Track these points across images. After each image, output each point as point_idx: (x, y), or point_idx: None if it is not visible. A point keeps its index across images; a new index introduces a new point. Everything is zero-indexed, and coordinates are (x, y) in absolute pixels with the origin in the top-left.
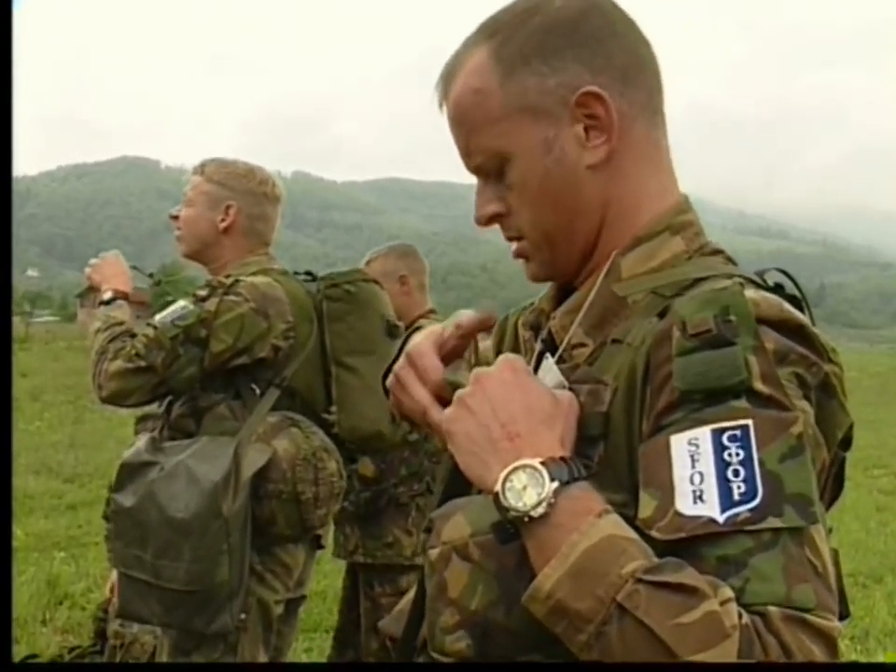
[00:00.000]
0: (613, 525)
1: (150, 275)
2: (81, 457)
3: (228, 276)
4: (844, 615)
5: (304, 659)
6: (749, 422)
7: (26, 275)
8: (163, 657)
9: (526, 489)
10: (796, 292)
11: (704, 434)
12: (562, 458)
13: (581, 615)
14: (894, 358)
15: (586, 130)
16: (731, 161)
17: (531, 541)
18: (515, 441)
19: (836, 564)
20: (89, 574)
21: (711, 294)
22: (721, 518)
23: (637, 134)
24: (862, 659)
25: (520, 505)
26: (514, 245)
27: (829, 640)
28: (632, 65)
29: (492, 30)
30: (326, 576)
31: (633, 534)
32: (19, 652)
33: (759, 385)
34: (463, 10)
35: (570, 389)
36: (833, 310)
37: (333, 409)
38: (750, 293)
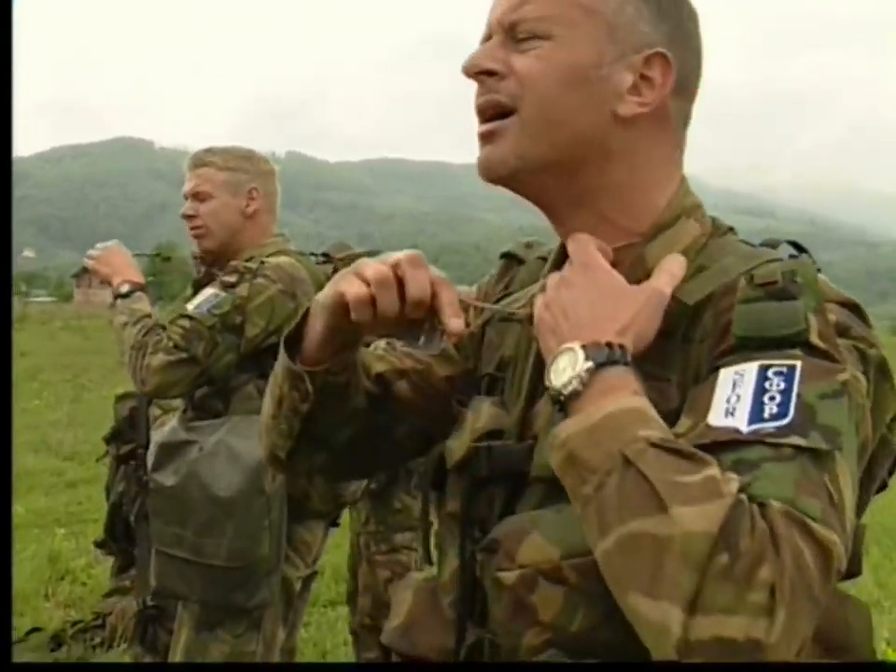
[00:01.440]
0: (646, 405)
1: (157, 255)
2: (80, 435)
3: (250, 259)
4: (855, 573)
5: (303, 633)
6: (798, 363)
7: (22, 256)
8: (182, 636)
9: (566, 370)
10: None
11: (751, 367)
12: (607, 343)
13: (589, 465)
14: (882, 336)
15: (634, 85)
16: (721, 140)
17: (570, 418)
18: (576, 331)
19: (859, 537)
20: (89, 550)
21: (779, 264)
22: (745, 429)
23: (670, 114)
24: None
25: (558, 384)
26: (487, 125)
27: (824, 549)
28: (695, 76)
29: None
30: (325, 552)
31: (661, 420)
32: (23, 625)
33: (815, 340)
34: None
35: None
36: None
37: None
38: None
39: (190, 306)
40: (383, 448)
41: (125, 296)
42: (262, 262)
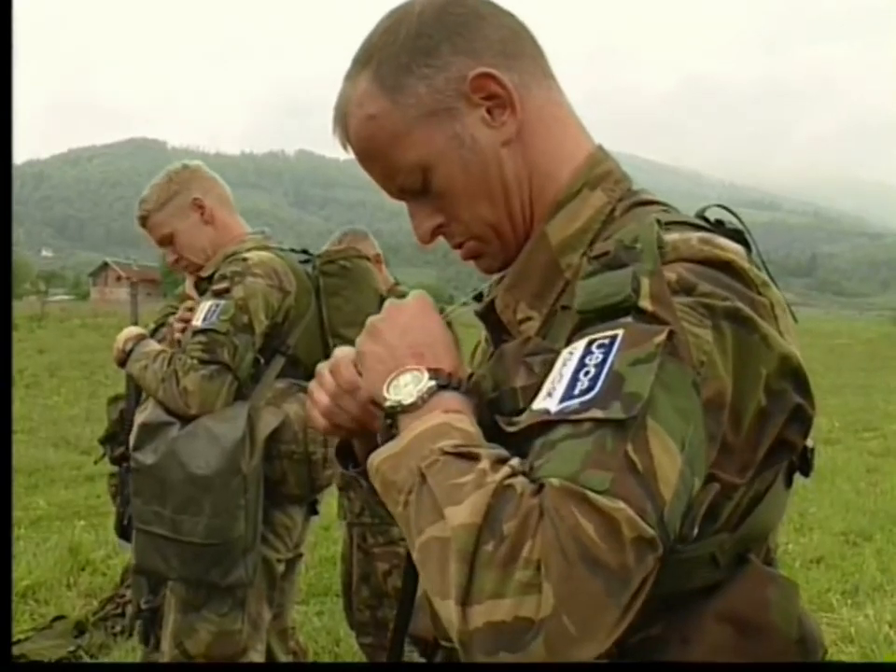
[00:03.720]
0: (456, 419)
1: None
2: (97, 430)
3: (231, 256)
4: (689, 538)
5: (316, 622)
6: (621, 332)
7: (41, 255)
8: (171, 616)
9: (407, 386)
10: (739, 226)
11: (581, 343)
12: (448, 373)
13: (397, 486)
14: (883, 326)
15: (489, 111)
16: (724, 133)
17: (400, 431)
18: (418, 358)
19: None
20: (108, 542)
21: (626, 231)
22: (554, 409)
23: (536, 101)
24: (853, 612)
25: (397, 398)
26: (461, 251)
27: (608, 520)
28: (508, 39)
29: (366, 57)
30: (335, 542)
31: (472, 429)
32: (48, 613)
33: (644, 303)
34: None
35: (525, 363)
36: (824, 279)
37: None
38: (673, 236)
39: (196, 322)
40: None
41: (132, 350)
42: (244, 259)
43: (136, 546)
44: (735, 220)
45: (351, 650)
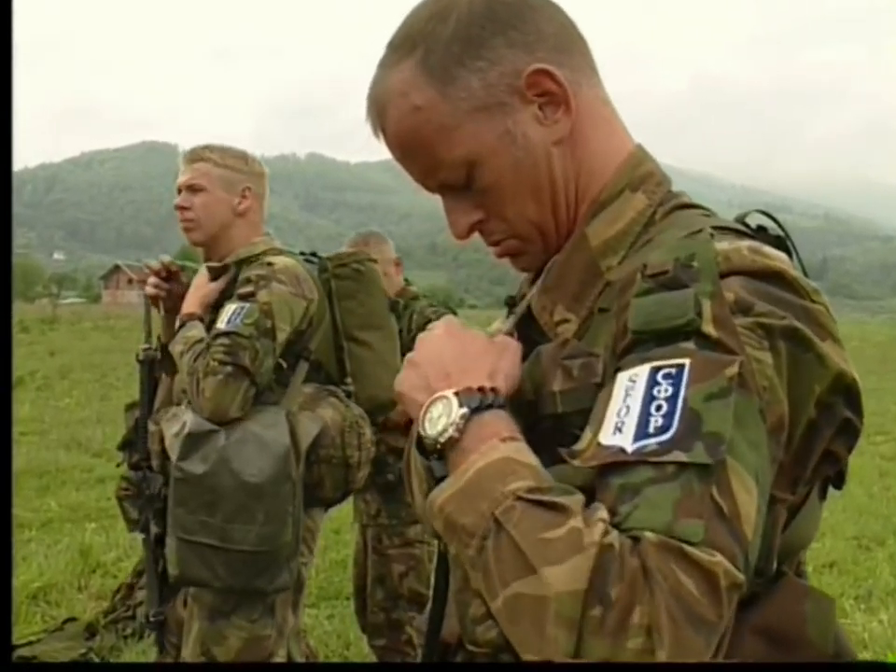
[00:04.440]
0: (515, 449)
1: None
2: (108, 433)
3: (247, 260)
4: (768, 572)
5: (326, 625)
6: (687, 361)
7: (53, 258)
8: (193, 625)
9: (441, 418)
10: (780, 233)
11: (643, 371)
12: (479, 388)
13: (467, 529)
14: (895, 329)
15: (541, 108)
16: (735, 136)
17: (448, 467)
18: (446, 380)
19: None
20: (119, 544)
21: (678, 242)
22: (630, 448)
23: (586, 98)
24: (866, 617)
25: (433, 433)
26: (498, 248)
27: (708, 575)
28: (560, 33)
29: (410, 44)
30: (346, 545)
31: (534, 460)
32: (59, 615)
33: (708, 328)
34: None
35: (563, 366)
36: (835, 282)
37: (348, 380)
38: (723, 245)
39: (221, 325)
40: None
41: (181, 327)
42: (269, 263)
43: (177, 557)
44: (775, 226)
45: (361, 653)
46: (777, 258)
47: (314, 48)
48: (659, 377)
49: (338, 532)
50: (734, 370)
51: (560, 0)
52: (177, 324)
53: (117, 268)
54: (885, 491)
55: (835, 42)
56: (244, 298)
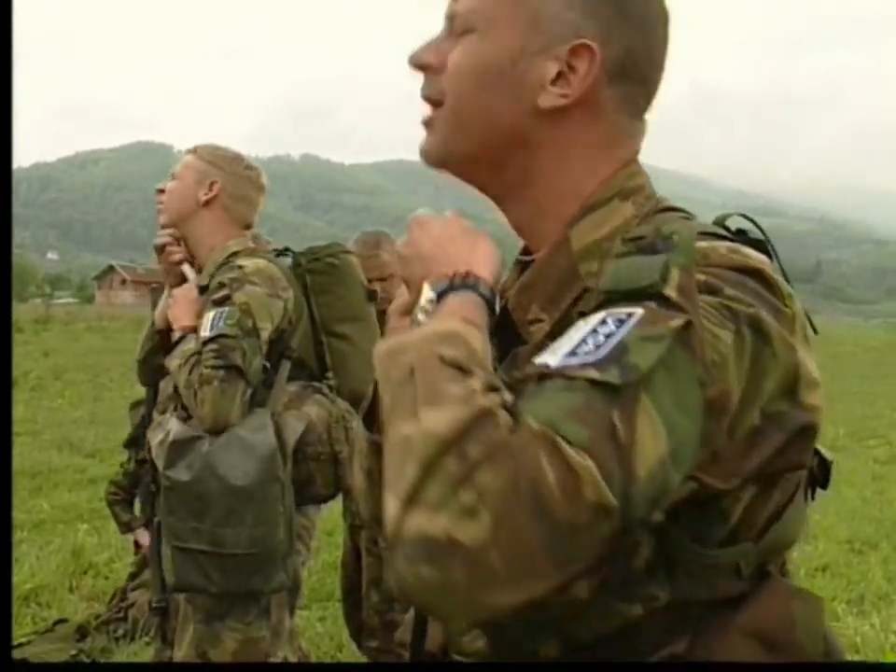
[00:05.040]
0: (468, 331)
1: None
2: (101, 433)
3: (223, 265)
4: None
5: (319, 627)
6: (639, 311)
7: (47, 258)
8: (188, 629)
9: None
10: (761, 236)
11: (597, 315)
12: (454, 274)
13: (391, 380)
14: (889, 333)
15: (558, 75)
16: (731, 140)
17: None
18: (427, 267)
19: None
20: (111, 545)
21: (664, 221)
22: (554, 364)
23: (607, 121)
24: (858, 621)
25: (420, 318)
26: (425, 116)
27: (572, 474)
28: (638, 61)
29: None
30: (338, 547)
31: (481, 347)
32: (50, 616)
33: (669, 292)
34: None
35: None
36: (829, 285)
37: (329, 375)
38: (701, 244)
39: (204, 332)
40: None
41: (178, 342)
42: (240, 267)
43: (173, 565)
44: (755, 230)
45: (353, 655)
46: (756, 258)
47: (310, 49)
48: (609, 319)
49: (330, 534)
50: (678, 322)
51: None
52: (175, 336)
53: (111, 268)
54: (878, 495)
55: (830, 48)
56: (219, 303)
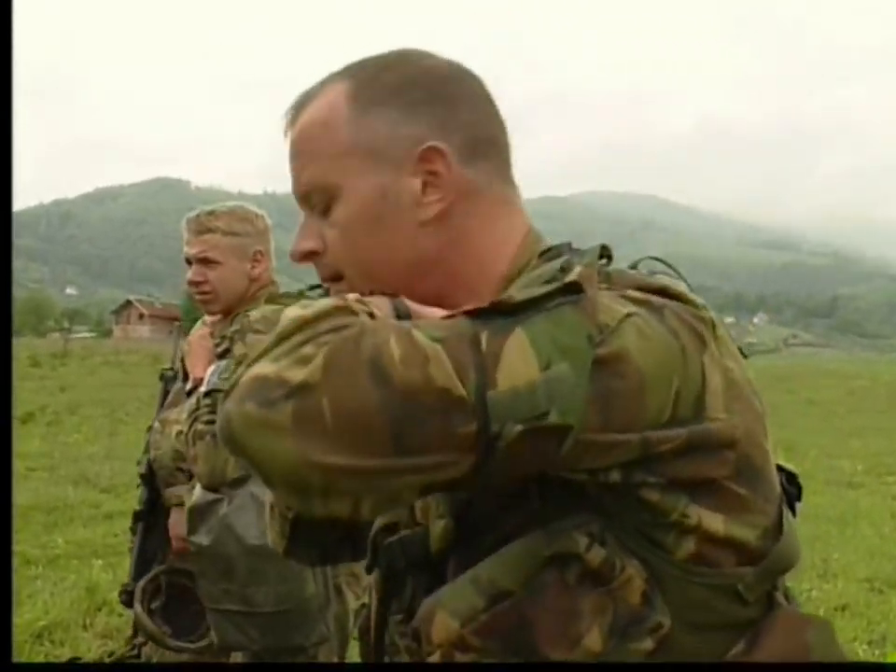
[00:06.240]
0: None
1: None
2: (117, 468)
3: (237, 316)
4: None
5: None
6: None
7: (65, 293)
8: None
9: None
10: (672, 274)
11: None
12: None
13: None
14: None
15: (424, 185)
16: (742, 174)
17: None
18: None
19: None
20: (125, 582)
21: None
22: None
23: (487, 199)
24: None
25: None
26: (336, 287)
27: (418, 352)
28: (483, 137)
29: (355, 70)
30: None
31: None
32: (63, 654)
33: (570, 278)
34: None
35: None
36: (844, 320)
37: None
38: (608, 268)
39: (202, 389)
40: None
41: (189, 393)
42: (246, 316)
43: (213, 626)
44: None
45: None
46: (663, 278)
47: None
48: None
49: None
50: (571, 277)
51: (565, 40)
52: (188, 387)
53: (128, 303)
54: None
55: (842, 81)
56: (221, 357)
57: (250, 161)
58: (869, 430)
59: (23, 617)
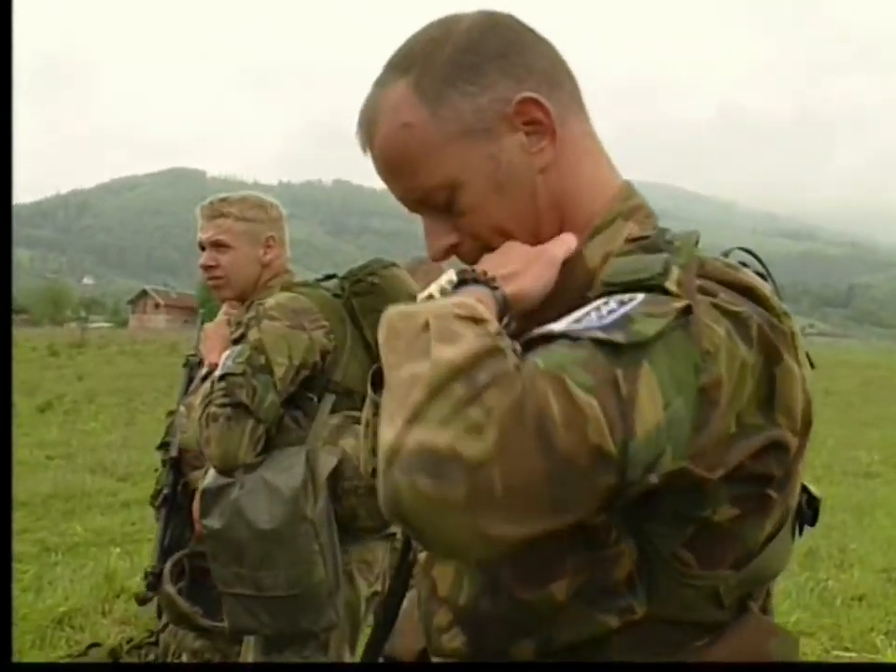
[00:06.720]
0: (478, 305)
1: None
2: (134, 457)
3: (249, 305)
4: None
5: None
6: (641, 295)
7: (82, 283)
8: (249, 657)
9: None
10: (761, 269)
11: (599, 300)
12: (480, 273)
13: (401, 333)
14: None
15: (528, 136)
16: (761, 163)
17: None
18: (486, 262)
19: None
20: (143, 569)
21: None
22: (558, 329)
23: (572, 130)
24: None
25: (435, 293)
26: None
27: (578, 411)
28: (549, 67)
29: (406, 64)
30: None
31: (490, 318)
32: (83, 640)
33: (669, 285)
34: None
35: None
36: (861, 309)
37: None
38: (701, 254)
39: (217, 372)
40: None
41: (204, 378)
42: (261, 304)
43: (225, 610)
44: (758, 264)
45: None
46: (750, 276)
47: (342, 73)
48: (611, 301)
49: None
50: (679, 305)
51: (589, 27)
52: (202, 372)
53: (144, 293)
54: None
55: (860, 71)
56: (236, 342)
57: (265, 152)
58: (886, 420)
59: (45, 602)
